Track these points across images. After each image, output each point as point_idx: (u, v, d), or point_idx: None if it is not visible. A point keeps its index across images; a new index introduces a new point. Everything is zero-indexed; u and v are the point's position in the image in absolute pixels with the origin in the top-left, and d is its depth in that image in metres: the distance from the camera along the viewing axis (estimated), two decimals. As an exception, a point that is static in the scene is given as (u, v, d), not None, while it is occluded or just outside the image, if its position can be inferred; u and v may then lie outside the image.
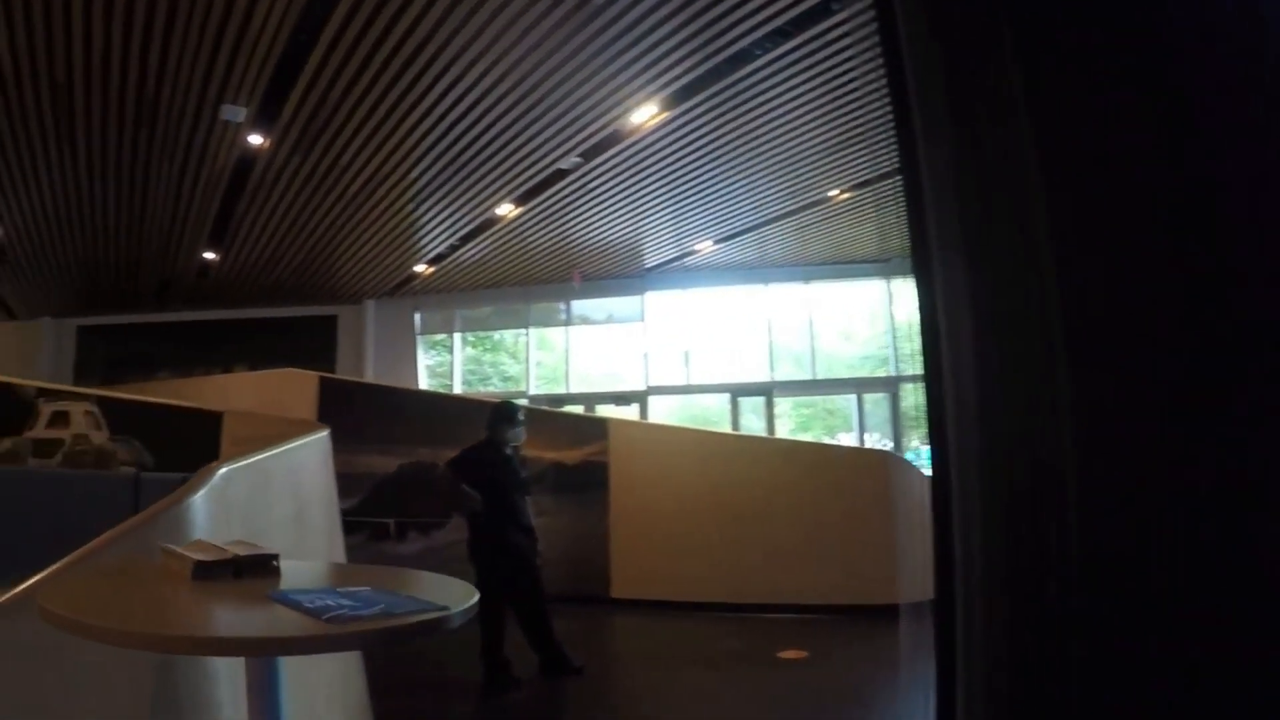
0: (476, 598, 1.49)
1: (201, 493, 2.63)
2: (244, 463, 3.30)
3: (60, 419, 7.29)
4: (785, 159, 10.44)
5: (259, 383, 9.54)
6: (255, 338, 16.20)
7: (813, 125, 9.51)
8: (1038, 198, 0.92)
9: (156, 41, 7.15)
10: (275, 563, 1.72)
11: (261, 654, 1.31)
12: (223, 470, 2.86)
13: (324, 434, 5.83)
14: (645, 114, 9.04)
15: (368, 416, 8.43)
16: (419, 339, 17.34)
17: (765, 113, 9.13)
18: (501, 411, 5.63)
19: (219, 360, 15.08)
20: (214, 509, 2.73)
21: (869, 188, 11.49)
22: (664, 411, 15.98)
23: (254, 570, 1.68)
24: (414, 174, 10.44)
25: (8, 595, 1.56)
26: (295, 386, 8.71)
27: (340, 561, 5.15)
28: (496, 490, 5.35)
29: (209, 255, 13.46)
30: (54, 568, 1.79)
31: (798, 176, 11.08)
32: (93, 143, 9.21)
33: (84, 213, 11.48)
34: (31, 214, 11.48)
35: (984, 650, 1.02)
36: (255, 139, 9.06)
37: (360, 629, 1.32)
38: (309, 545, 4.28)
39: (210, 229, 12.11)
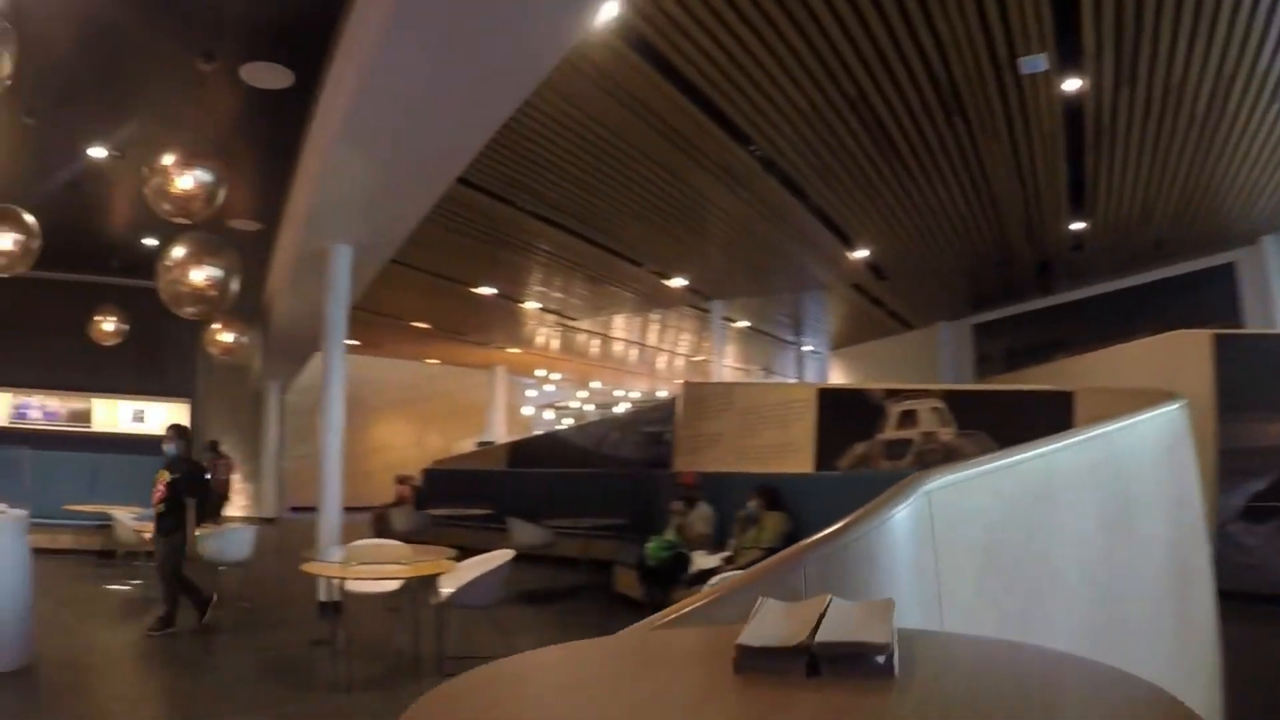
0: None
1: (894, 517, 2.02)
2: (981, 469, 2.42)
3: (908, 418, 7.44)
4: None
5: (1145, 351, 8.76)
6: (1146, 304, 14.70)
7: None
8: None
9: (921, 25, 6.87)
10: (883, 658, 1.01)
11: None
12: (929, 485, 2.12)
13: (1172, 408, 4.53)
14: None
15: (1278, 376, 6.64)
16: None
17: None
18: None
19: (1115, 334, 14.06)
20: (920, 538, 2.08)
21: None
22: None
23: (841, 666, 1.01)
24: (1261, 64, 7.86)
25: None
26: (1186, 350, 7.73)
27: (1202, 577, 3.80)
28: None
29: (1077, 226, 12.62)
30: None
31: None
32: (913, 148, 9.47)
33: (935, 218, 12.00)
34: (890, 233, 12.57)
35: None
36: (1071, 84, 7.98)
37: None
38: (1127, 571, 3.10)
39: (1067, 196, 11.31)
